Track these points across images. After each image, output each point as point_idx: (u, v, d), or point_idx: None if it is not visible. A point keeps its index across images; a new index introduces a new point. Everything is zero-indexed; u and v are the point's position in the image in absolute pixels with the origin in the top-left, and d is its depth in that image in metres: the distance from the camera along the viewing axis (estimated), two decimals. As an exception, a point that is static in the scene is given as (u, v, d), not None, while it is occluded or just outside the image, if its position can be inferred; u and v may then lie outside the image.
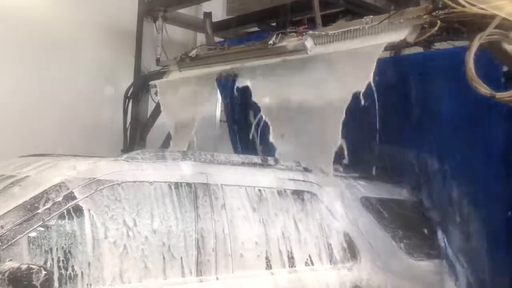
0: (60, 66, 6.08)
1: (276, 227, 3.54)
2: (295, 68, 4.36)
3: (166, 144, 5.60)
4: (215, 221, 3.26)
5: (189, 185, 3.27)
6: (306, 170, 3.95)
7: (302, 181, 3.85)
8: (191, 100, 5.13)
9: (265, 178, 3.68)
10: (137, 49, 6.04)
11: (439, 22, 3.70)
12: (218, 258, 3.18)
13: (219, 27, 6.36)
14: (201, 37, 6.95)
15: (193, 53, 5.22)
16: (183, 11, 6.37)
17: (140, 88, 6.00)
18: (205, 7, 6.46)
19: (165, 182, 3.19)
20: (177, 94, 5.27)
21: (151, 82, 5.66)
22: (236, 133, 5.08)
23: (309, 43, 4.22)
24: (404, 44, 3.88)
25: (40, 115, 5.85)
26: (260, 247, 3.41)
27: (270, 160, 3.85)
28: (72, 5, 6.09)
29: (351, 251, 3.81)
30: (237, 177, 3.55)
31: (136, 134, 6.00)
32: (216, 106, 6.23)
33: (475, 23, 3.61)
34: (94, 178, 2.95)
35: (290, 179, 3.79)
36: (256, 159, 3.81)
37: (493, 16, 3.40)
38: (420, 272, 4.11)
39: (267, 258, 3.41)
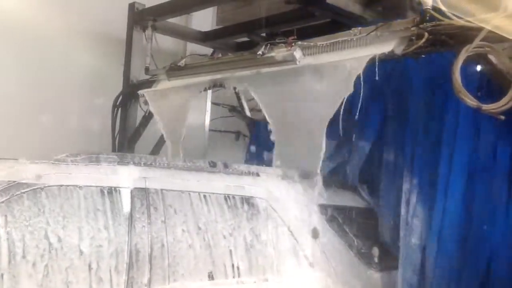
0: (48, 74, 6.06)
1: (221, 235, 3.34)
2: (283, 78, 4.39)
3: (155, 153, 5.59)
4: (152, 230, 3.04)
5: (124, 190, 3.03)
6: (257, 175, 3.78)
7: (252, 186, 3.65)
8: (179, 109, 5.13)
9: (212, 183, 3.47)
10: (126, 58, 6.03)
11: (426, 34, 3.73)
12: (153, 272, 2.96)
13: (209, 37, 6.37)
14: (191, 47, 6.96)
15: (182, 62, 5.23)
16: (173, 20, 6.37)
17: (129, 96, 5.98)
18: (195, 17, 6.49)
19: (97, 186, 2.94)
20: (166, 103, 5.27)
21: (140, 91, 5.66)
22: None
23: (298, 53, 4.24)
24: (392, 55, 3.91)
25: (28, 123, 5.82)
26: (203, 257, 3.20)
27: (219, 165, 3.62)
28: (62, 13, 6.09)
29: (303, 261, 3.65)
30: (180, 182, 3.32)
31: (125, 143, 5.98)
32: (205, 116, 6.24)
33: (462, 36, 3.64)
34: (14, 182, 2.71)
35: (239, 185, 3.59)
36: (203, 163, 3.58)
37: (479, 29, 3.43)
38: (379, 284, 3.99)
39: (210, 269, 3.22)
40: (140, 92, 5.59)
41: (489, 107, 3.56)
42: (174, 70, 5.28)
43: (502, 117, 3.56)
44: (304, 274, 3.61)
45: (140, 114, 6.03)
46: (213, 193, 3.43)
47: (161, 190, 3.19)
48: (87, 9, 6.31)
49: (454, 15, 3.51)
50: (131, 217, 2.99)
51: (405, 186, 4.14)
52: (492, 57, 3.63)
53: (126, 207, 3.00)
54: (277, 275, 3.47)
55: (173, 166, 3.39)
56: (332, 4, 4.82)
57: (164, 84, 5.44)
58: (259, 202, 3.62)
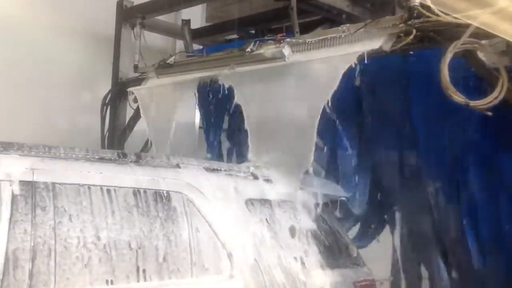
0: (36, 72, 6.02)
1: (126, 236, 2.97)
2: (272, 75, 4.38)
3: (145, 150, 5.57)
4: (36, 234, 2.64)
5: (5, 182, 2.64)
6: (177, 167, 3.45)
7: (170, 180, 3.32)
8: (168, 106, 5.11)
9: (119, 176, 3.10)
10: (115, 55, 6.00)
11: (414, 31, 3.75)
12: (36, 279, 2.60)
13: (198, 34, 6.35)
14: (180, 44, 6.93)
15: (171, 60, 5.21)
16: (162, 18, 6.35)
17: (118, 94, 5.95)
18: (184, 14, 6.45)
19: None
20: (155, 101, 5.26)
21: (129, 89, 5.63)
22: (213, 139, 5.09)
23: (286, 50, 4.25)
24: (380, 52, 3.92)
25: (15, 121, 5.78)
26: (102, 260, 2.83)
27: (130, 156, 3.28)
28: (50, 10, 6.05)
29: (225, 262, 3.33)
30: (79, 174, 2.93)
31: (114, 141, 5.95)
32: (195, 113, 6.22)
33: (449, 32, 3.66)
34: None
35: (153, 178, 3.24)
36: (111, 154, 3.22)
37: (467, 25, 3.44)
38: (316, 283, 3.73)
39: (109, 273, 2.84)
40: (130, 89, 5.56)
41: (477, 103, 3.59)
42: (163, 68, 5.26)
43: (490, 113, 3.59)
44: (223, 277, 3.30)
45: (130, 112, 6.00)
46: (120, 187, 3.05)
47: (53, 184, 2.77)
48: (76, 6, 6.27)
49: (441, 11, 3.52)
50: (11, 217, 2.61)
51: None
52: (479, 54, 3.65)
53: (6, 205, 2.62)
54: (194, 278, 3.15)
55: (72, 156, 2.99)
56: (321, 1, 4.83)
57: (153, 81, 5.42)
58: (176, 197, 3.28)
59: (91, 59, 6.35)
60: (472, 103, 3.57)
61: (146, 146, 5.77)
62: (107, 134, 6.02)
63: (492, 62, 3.64)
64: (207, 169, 3.63)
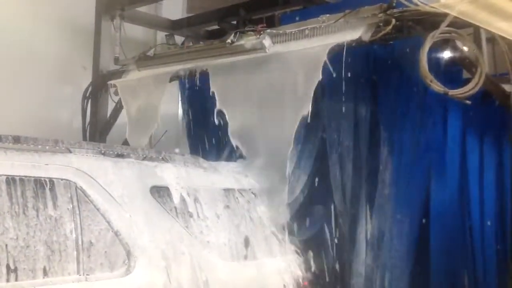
0: (14, 65, 5.92)
1: None
2: (253, 67, 4.37)
3: (127, 142, 5.53)
4: None
5: None
6: (68, 151, 3.15)
7: (56, 165, 2.98)
8: (150, 99, 5.08)
9: None
10: (95, 47, 5.93)
11: (393, 20, 3.76)
12: None
13: (179, 25, 6.31)
14: (161, 36, 6.88)
15: (151, 52, 5.18)
16: (142, 9, 6.29)
17: (99, 87, 5.90)
18: (165, 5, 6.41)
19: None
20: (137, 93, 5.22)
21: (110, 82, 5.59)
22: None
23: (267, 41, 4.24)
24: (360, 42, 3.93)
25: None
26: None
27: (7, 138, 2.97)
28: (28, 1, 5.94)
29: (121, 256, 3.04)
30: None
31: (96, 134, 5.90)
32: (178, 105, 6.19)
33: (428, 22, 3.68)
34: None
35: (34, 164, 2.90)
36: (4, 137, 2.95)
37: (445, 15, 3.46)
38: (226, 274, 3.50)
39: None
40: (111, 82, 5.51)
41: (456, 92, 3.62)
42: (144, 60, 5.22)
43: (469, 102, 3.62)
44: (119, 271, 3.01)
45: (111, 105, 5.95)
46: None
47: None
48: (54, -2, 6.18)
49: (420, 1, 3.53)
50: None
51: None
52: (458, 43, 3.67)
53: None
54: (74, 275, 2.83)
55: None
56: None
57: (134, 74, 5.38)
58: (62, 185, 2.96)
59: (71, 51, 6.27)
60: (451, 92, 3.60)
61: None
62: (88, 127, 5.98)
63: (470, 51, 3.67)
64: (105, 154, 3.33)
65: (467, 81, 3.65)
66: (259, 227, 3.90)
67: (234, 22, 6.03)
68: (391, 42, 4.06)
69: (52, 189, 2.92)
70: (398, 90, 4.21)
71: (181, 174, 3.60)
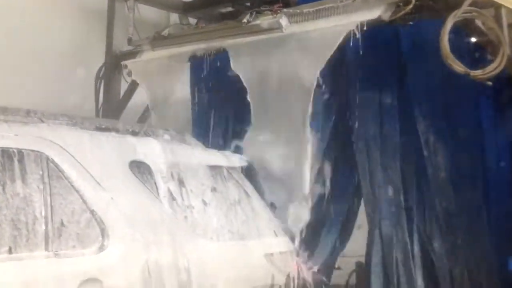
0: (28, 46, 5.90)
1: None
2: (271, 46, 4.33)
3: (141, 123, 5.51)
4: None
5: None
6: (41, 121, 2.98)
7: (26, 136, 2.81)
8: (165, 80, 5.05)
9: None
10: (108, 28, 5.88)
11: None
12: None
13: (192, 7, 6.24)
14: (174, 17, 6.83)
15: (165, 32, 5.14)
16: (156, -10, 6.22)
17: (112, 68, 5.87)
18: (178, -14, 6.31)
19: None
20: (151, 74, 5.19)
21: (123, 62, 5.55)
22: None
23: (284, 21, 4.20)
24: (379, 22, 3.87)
25: (6, 96, 5.68)
26: None
27: None
28: (41, -17, 5.92)
29: (95, 233, 2.86)
30: None
31: (109, 116, 5.88)
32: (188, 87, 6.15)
33: (449, 1, 3.62)
34: None
35: (2, 134, 2.73)
36: None
37: (467, -6, 3.41)
38: (206, 253, 3.31)
39: None
40: (124, 62, 5.48)
41: (477, 73, 3.57)
42: (158, 40, 5.18)
43: (490, 83, 3.57)
44: (92, 249, 2.84)
45: (124, 86, 5.93)
46: None
47: None
48: (67, -21, 6.14)
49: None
50: None
51: None
52: (479, 23, 3.61)
53: None
54: (51, 252, 2.68)
55: None
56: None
57: (148, 54, 5.35)
58: (32, 156, 2.77)
59: (84, 32, 6.24)
60: (473, 73, 3.55)
61: (142, 120, 5.72)
62: (101, 108, 5.96)
63: (493, 32, 3.61)
64: (83, 127, 3.15)
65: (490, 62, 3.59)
66: (247, 207, 3.75)
67: (248, 4, 5.96)
68: (411, 22, 4.02)
69: (21, 160, 2.71)
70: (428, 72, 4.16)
71: (164, 150, 3.40)
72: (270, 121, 4.26)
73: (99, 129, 3.24)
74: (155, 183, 3.26)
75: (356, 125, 4.46)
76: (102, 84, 5.95)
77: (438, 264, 4.19)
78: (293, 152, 4.11)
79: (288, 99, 4.21)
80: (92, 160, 3.01)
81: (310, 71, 4.06)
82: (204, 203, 3.46)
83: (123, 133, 3.36)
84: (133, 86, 5.69)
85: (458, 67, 3.56)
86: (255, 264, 3.53)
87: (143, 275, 2.94)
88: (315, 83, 4.05)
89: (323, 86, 4.19)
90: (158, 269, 3.00)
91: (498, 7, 3.79)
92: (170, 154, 3.42)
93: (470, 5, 3.49)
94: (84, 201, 2.87)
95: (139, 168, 3.23)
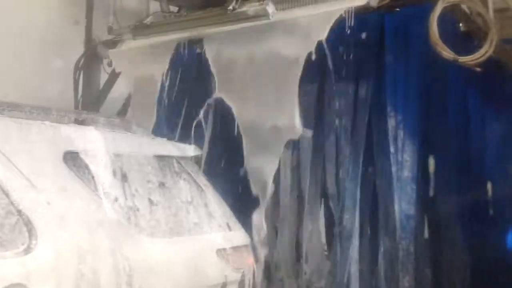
0: (3, 36, 5.73)
1: None
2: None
3: (122, 114, 5.41)
4: None
5: None
6: None
7: None
8: (148, 69, 4.96)
9: None
10: (87, 16, 5.77)
11: (402, -15, 3.69)
12: None
13: (174, -6, 6.14)
14: (154, 5, 6.69)
15: (147, 20, 5.03)
16: (135, -23, 6.10)
17: (91, 58, 5.75)
18: (158, -27, 6.19)
19: None
20: (134, 64, 5.09)
21: (104, 52, 5.44)
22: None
23: (270, 8, 4.13)
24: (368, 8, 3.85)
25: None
26: None
27: None
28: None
29: (21, 234, 2.54)
30: None
31: (89, 107, 5.76)
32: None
33: (438, -14, 3.61)
34: None
35: None
36: None
37: (456, -21, 3.40)
38: (154, 256, 3.05)
39: None
40: (104, 52, 5.36)
41: (466, 59, 3.57)
42: (140, 29, 5.08)
43: (479, 69, 3.58)
44: (18, 250, 2.52)
45: (104, 76, 5.81)
46: None
47: None
48: (43, -37, 5.97)
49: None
50: None
51: None
52: (468, 8, 3.61)
53: None
54: None
55: None
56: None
57: (130, 43, 5.23)
58: None
59: (62, 21, 6.07)
60: (461, 59, 3.55)
61: (122, 111, 5.61)
62: (81, 99, 5.83)
63: (481, 17, 3.62)
64: (10, 115, 2.88)
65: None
66: (198, 200, 3.47)
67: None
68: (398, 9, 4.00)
69: None
70: (413, 61, 4.07)
71: (105, 139, 3.08)
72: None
73: (29, 117, 2.94)
74: (93, 177, 2.94)
75: (331, 114, 4.39)
76: (81, 75, 5.84)
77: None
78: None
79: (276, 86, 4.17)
80: (20, 153, 2.71)
81: (298, 59, 4.01)
82: (151, 201, 3.17)
83: (57, 121, 3.04)
84: (113, 76, 5.58)
85: (447, 53, 3.56)
86: (205, 261, 3.27)
87: (75, 280, 2.65)
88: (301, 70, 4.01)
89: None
90: (93, 274, 2.72)
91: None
92: (111, 144, 3.10)
93: (459, -10, 3.49)
94: (10, 200, 2.56)
95: (75, 161, 2.91)
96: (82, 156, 2.93)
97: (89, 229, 2.79)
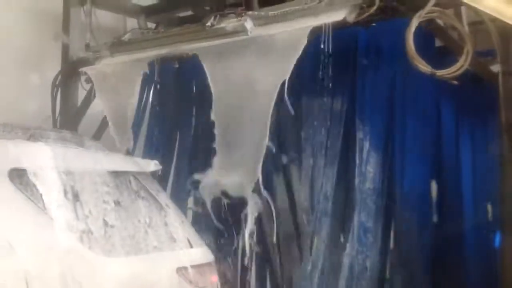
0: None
1: None
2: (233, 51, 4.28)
3: (100, 132, 5.37)
4: None
5: None
6: None
7: None
8: (127, 87, 4.93)
9: None
10: (64, 33, 5.71)
11: (377, 1, 3.71)
12: None
13: (151, 11, 6.12)
14: (131, 22, 6.68)
15: (125, 37, 5.02)
16: (112, -6, 6.08)
17: (69, 75, 5.69)
18: (135, -10, 6.19)
19: None
20: (111, 81, 5.06)
21: (81, 69, 5.39)
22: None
23: (249, 24, 4.15)
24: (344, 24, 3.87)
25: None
26: None
27: None
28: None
29: None
30: None
31: (67, 125, 5.70)
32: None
33: (413, 2, 3.65)
34: None
35: None
36: None
37: (430, -5, 3.44)
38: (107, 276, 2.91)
39: None
40: (82, 69, 5.32)
41: (443, 73, 3.61)
42: (118, 46, 5.05)
43: (456, 82, 3.62)
44: None
45: (82, 94, 5.76)
46: None
47: None
48: (20, -18, 5.92)
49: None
50: None
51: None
52: (444, 23, 3.66)
53: None
54: None
55: None
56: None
57: (108, 60, 5.21)
58: None
59: (39, 38, 6.02)
60: (439, 72, 3.59)
61: (101, 129, 5.56)
62: (58, 117, 5.77)
63: (457, 31, 3.67)
64: None
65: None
66: (157, 217, 3.35)
67: (208, 8, 5.89)
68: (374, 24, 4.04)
69: None
70: (384, 75, 4.12)
71: (55, 155, 2.93)
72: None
73: None
74: (41, 196, 2.79)
75: (308, 128, 4.40)
76: (59, 92, 5.78)
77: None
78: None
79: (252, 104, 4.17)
80: None
81: (276, 76, 4.01)
82: (105, 223, 3.01)
83: (3, 137, 2.95)
84: (91, 94, 5.53)
85: (424, 67, 3.59)
86: (165, 281, 3.14)
87: None
88: (278, 89, 3.99)
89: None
90: None
91: (458, 6, 3.86)
92: (62, 160, 2.94)
93: (434, 5, 3.52)
94: None
95: (22, 178, 2.78)
96: (29, 173, 2.77)
97: (37, 253, 2.65)
